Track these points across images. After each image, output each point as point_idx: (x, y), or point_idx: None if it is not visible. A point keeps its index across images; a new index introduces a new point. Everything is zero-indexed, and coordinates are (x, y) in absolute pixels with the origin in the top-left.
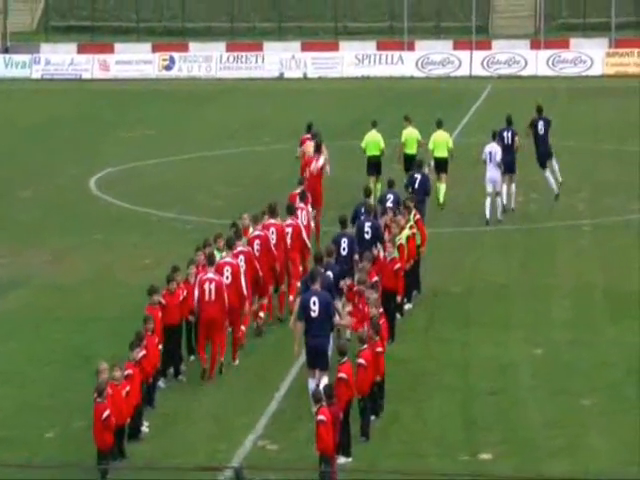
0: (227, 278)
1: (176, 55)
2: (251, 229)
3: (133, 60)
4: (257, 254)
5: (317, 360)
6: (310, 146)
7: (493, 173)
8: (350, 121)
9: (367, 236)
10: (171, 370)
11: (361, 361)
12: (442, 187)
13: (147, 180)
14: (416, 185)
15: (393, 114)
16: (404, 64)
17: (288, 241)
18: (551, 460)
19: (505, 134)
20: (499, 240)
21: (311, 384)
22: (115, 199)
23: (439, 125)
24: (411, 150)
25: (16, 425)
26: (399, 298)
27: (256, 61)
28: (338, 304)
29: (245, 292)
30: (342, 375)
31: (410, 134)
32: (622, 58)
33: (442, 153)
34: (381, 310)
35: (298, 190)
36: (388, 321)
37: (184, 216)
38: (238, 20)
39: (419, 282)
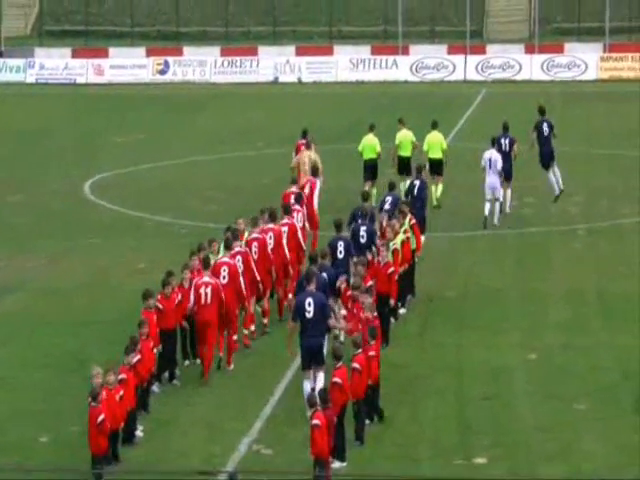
0: (224, 278)
1: (170, 59)
2: (246, 233)
3: (127, 64)
4: (255, 257)
5: (313, 359)
6: (307, 156)
7: (492, 180)
8: (344, 125)
9: (362, 240)
10: (165, 374)
11: (355, 365)
12: (438, 188)
13: (141, 184)
14: (415, 192)
15: (387, 119)
16: (398, 69)
17: (284, 241)
18: (545, 464)
19: (503, 141)
20: (493, 244)
21: (306, 386)
22: (109, 203)
23: (434, 126)
24: (405, 152)
25: (10, 430)
26: (392, 302)
27: (251, 65)
28: (334, 306)
29: (244, 291)
30: (337, 380)
31: (404, 136)
32: (616, 62)
33: (436, 154)
34: (375, 314)
35: (292, 189)
36: (382, 325)
37: (178, 220)
38: (232, 24)
39: (414, 287)
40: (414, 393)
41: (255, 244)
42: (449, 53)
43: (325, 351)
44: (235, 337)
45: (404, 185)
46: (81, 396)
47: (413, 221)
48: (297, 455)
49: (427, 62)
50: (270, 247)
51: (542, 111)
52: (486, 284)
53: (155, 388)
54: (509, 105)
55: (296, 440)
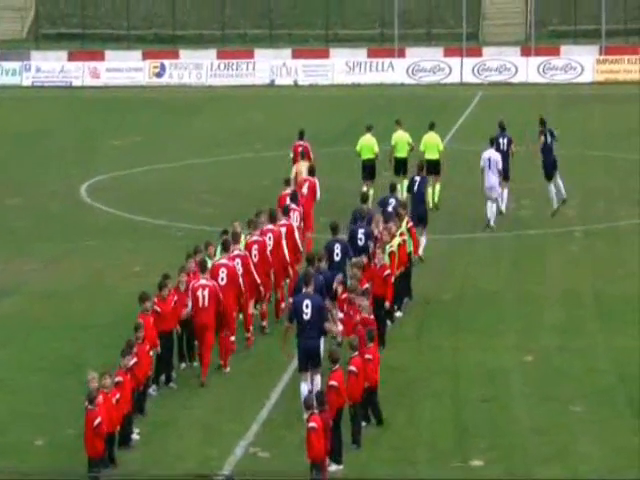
0: (222, 280)
1: (167, 62)
2: (242, 236)
3: (124, 67)
4: (255, 260)
5: (310, 361)
6: (303, 166)
7: (492, 180)
8: (341, 128)
9: (360, 242)
10: (162, 377)
11: (352, 368)
12: (435, 189)
13: (138, 187)
14: (415, 188)
15: (384, 121)
16: (395, 71)
17: (284, 242)
18: (542, 466)
19: (500, 140)
20: (490, 247)
21: (303, 387)
22: (106, 206)
23: (431, 127)
24: (401, 153)
25: (6, 433)
26: (387, 304)
27: (247, 68)
28: (332, 308)
29: (243, 292)
30: (333, 383)
31: (400, 137)
32: (612, 65)
33: (433, 155)
34: (372, 317)
35: (287, 191)
36: (378, 328)
37: (175, 223)
38: (229, 27)
39: (410, 289)
40: (411, 396)
41: (255, 247)
42: (445, 56)
43: (322, 353)
44: (232, 338)
45: (401, 186)
46: (77, 399)
47: (410, 224)
48: (294, 458)
49: (423, 65)
50: (269, 248)
51: (543, 122)
52: (483, 286)
53: (152, 391)
54: (505, 107)
55: (293, 443)
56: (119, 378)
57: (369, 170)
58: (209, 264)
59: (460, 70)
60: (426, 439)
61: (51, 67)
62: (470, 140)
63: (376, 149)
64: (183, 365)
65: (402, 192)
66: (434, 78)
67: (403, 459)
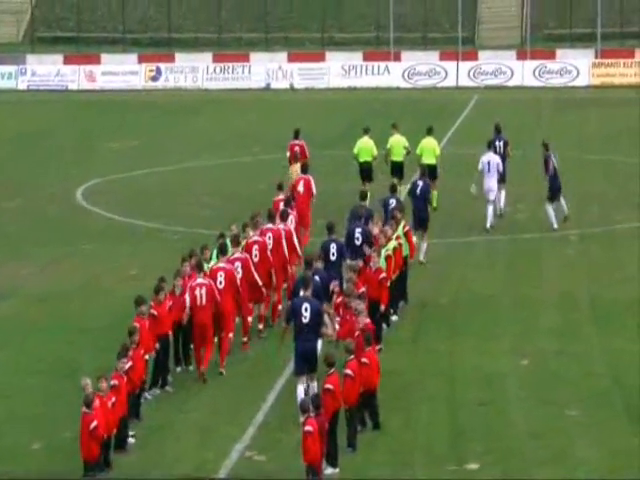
0: (220, 283)
1: (162, 66)
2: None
3: (119, 71)
4: (256, 260)
5: (307, 364)
6: (294, 171)
7: (490, 182)
8: (337, 131)
9: (357, 242)
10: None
11: (348, 372)
12: (433, 194)
13: (134, 190)
14: (418, 192)
15: (380, 125)
16: (390, 75)
17: (284, 241)
18: (537, 470)
19: (497, 143)
20: (486, 250)
21: (300, 390)
22: (102, 210)
23: (429, 132)
24: (397, 157)
25: (3, 436)
26: (383, 307)
27: (243, 72)
28: (329, 310)
29: (240, 294)
30: (329, 386)
31: (396, 141)
32: (608, 69)
33: (430, 160)
34: (369, 320)
35: (281, 196)
36: (374, 331)
37: (171, 227)
38: (225, 31)
39: (406, 293)
40: (407, 399)
41: (256, 247)
42: (441, 59)
43: (318, 356)
44: (230, 335)
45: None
46: (74, 402)
47: (407, 228)
48: (290, 461)
49: (419, 68)
50: (269, 248)
51: (547, 146)
52: (479, 290)
53: (147, 395)
54: (501, 111)
55: (289, 446)
56: (115, 381)
57: (367, 173)
58: (205, 268)
59: (456, 74)
60: (422, 442)
61: (47, 71)
62: (466, 144)
63: (374, 152)
64: (179, 369)
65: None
66: (430, 82)
67: (399, 462)
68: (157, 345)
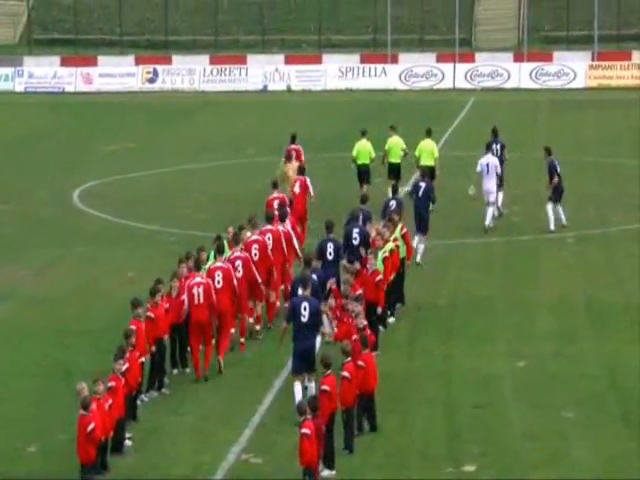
0: (218, 283)
1: (159, 68)
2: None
3: (116, 73)
4: (256, 259)
5: (305, 363)
6: (292, 167)
7: (488, 184)
8: (334, 134)
9: (355, 242)
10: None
11: (345, 374)
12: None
13: (130, 193)
14: (420, 193)
15: (377, 127)
16: (387, 77)
17: (283, 244)
18: (534, 472)
19: (494, 146)
20: (482, 253)
21: (297, 388)
22: (98, 212)
23: (428, 134)
24: (395, 159)
25: None
26: (379, 310)
27: (240, 74)
28: (326, 308)
29: (237, 293)
30: (325, 387)
31: (394, 143)
32: (605, 71)
33: (428, 161)
34: (366, 323)
35: (275, 194)
36: (371, 333)
37: (167, 229)
38: (222, 33)
39: (403, 295)
40: (403, 401)
41: (255, 246)
42: (438, 61)
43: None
44: (232, 330)
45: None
46: (70, 405)
47: (404, 230)
48: (286, 464)
49: (416, 70)
50: (269, 248)
51: (549, 151)
52: (475, 292)
53: (144, 397)
54: (498, 113)
55: (285, 449)
56: (112, 383)
57: (365, 175)
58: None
59: (453, 76)
60: (419, 445)
61: (44, 73)
62: (463, 146)
63: (372, 154)
64: (175, 371)
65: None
66: (427, 84)
67: (396, 465)
68: (153, 348)
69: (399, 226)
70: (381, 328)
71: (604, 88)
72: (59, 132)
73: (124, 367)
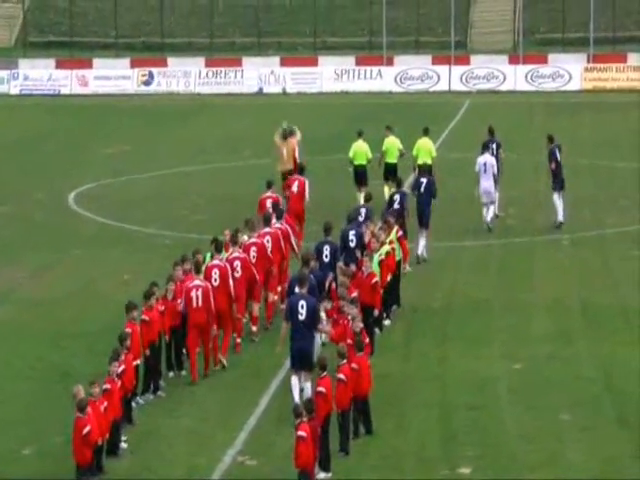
0: (215, 281)
1: (155, 70)
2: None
3: (112, 75)
4: (253, 260)
5: (301, 362)
6: (286, 145)
7: (487, 184)
8: (329, 136)
9: (352, 244)
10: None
11: (341, 376)
12: None
13: (126, 195)
14: (422, 189)
15: (372, 129)
16: (383, 79)
17: (282, 242)
18: (530, 474)
19: (490, 145)
20: (478, 255)
21: (294, 381)
22: (94, 215)
23: (425, 133)
24: (391, 159)
25: None
26: (376, 312)
27: (235, 76)
28: (322, 308)
29: (232, 294)
30: (321, 389)
31: (391, 143)
32: (600, 73)
33: (425, 160)
34: (362, 325)
35: (268, 193)
36: (367, 336)
37: (164, 231)
38: (217, 35)
39: (399, 297)
40: (399, 404)
41: (254, 248)
42: (433, 64)
43: (317, 351)
44: (239, 340)
45: (390, 192)
46: (65, 407)
47: (400, 233)
48: (282, 466)
49: (411, 73)
50: (269, 250)
51: (551, 138)
52: (471, 295)
53: (140, 400)
54: (493, 115)
55: (281, 451)
56: (107, 385)
57: (362, 176)
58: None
59: (448, 78)
60: (414, 447)
61: (39, 75)
62: (459, 148)
63: (369, 155)
64: (171, 374)
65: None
66: (422, 86)
67: (391, 467)
68: (147, 351)
69: (394, 229)
70: (377, 330)
71: (599, 90)
72: (55, 135)
73: (120, 369)
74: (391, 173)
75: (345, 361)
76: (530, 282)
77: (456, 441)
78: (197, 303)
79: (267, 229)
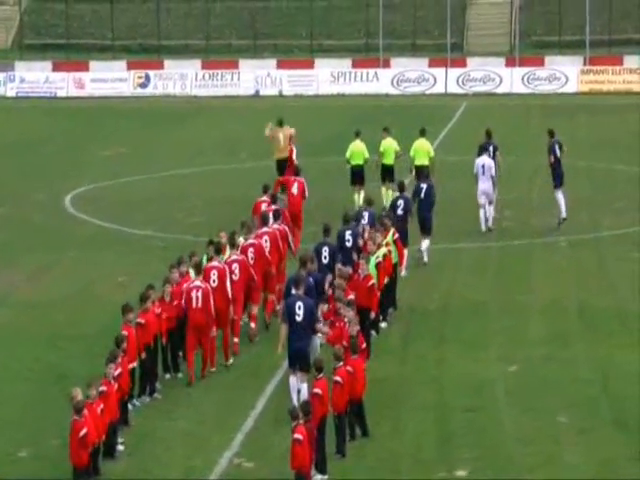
0: (214, 282)
1: (151, 73)
2: (228, 250)
3: (108, 78)
4: (252, 262)
5: (299, 362)
6: (281, 132)
7: (485, 186)
8: (326, 138)
9: (348, 244)
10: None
11: (337, 378)
12: None
13: (123, 198)
14: (422, 195)
15: (369, 131)
16: (379, 82)
17: (280, 243)
18: (527, 476)
19: (487, 148)
20: (475, 257)
21: (292, 381)
22: (90, 217)
23: (422, 134)
24: (388, 161)
25: None
26: (373, 314)
27: (231, 79)
28: (324, 307)
29: (230, 295)
30: (317, 390)
31: (388, 145)
32: (596, 75)
33: (423, 161)
34: (358, 328)
35: (264, 198)
36: (364, 338)
37: (160, 234)
38: (213, 37)
39: (395, 300)
40: (396, 406)
41: (251, 249)
42: (430, 66)
43: (317, 349)
44: (236, 340)
45: (386, 194)
46: (62, 409)
47: (396, 235)
48: (278, 468)
49: (408, 75)
50: (267, 250)
51: (552, 133)
52: (468, 297)
53: (136, 402)
54: (490, 118)
55: (278, 453)
56: (103, 387)
57: (359, 176)
58: (192, 276)
59: (445, 80)
60: (411, 449)
61: (35, 77)
62: (455, 150)
63: (366, 155)
64: (168, 376)
65: (386, 201)
66: (419, 88)
67: (388, 469)
68: (143, 354)
69: (391, 231)
70: (373, 333)
71: (596, 93)
72: (51, 137)
73: (117, 372)
74: (388, 174)
75: (342, 363)
76: (527, 284)
77: (453, 443)
78: (197, 304)
79: (265, 229)
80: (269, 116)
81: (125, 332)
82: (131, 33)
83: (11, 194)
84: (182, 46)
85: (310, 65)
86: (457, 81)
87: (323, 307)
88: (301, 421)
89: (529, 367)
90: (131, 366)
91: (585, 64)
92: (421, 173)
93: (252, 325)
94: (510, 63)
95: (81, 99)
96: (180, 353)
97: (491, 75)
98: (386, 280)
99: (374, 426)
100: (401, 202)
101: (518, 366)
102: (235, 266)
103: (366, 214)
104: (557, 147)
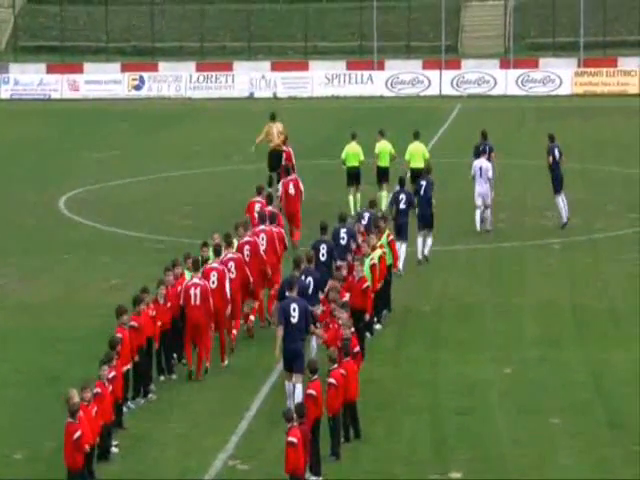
0: (213, 283)
1: (145, 75)
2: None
3: (102, 80)
4: (247, 259)
5: (293, 363)
6: (273, 127)
7: (482, 187)
8: (321, 140)
9: (343, 242)
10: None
11: (332, 380)
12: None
13: (117, 200)
14: (422, 191)
15: (363, 133)
16: (374, 84)
17: (276, 243)
18: (520, 478)
19: (483, 149)
20: (469, 259)
21: (288, 387)
22: (84, 219)
23: (416, 136)
24: (383, 163)
25: None
26: (367, 317)
27: (226, 81)
28: (318, 310)
29: (229, 296)
30: (311, 392)
31: (383, 147)
32: (591, 77)
33: (418, 164)
34: (353, 330)
35: (257, 198)
36: (358, 340)
37: (153, 236)
38: (208, 40)
39: (390, 302)
40: (390, 408)
41: (247, 247)
42: (424, 68)
43: (315, 348)
44: (235, 332)
45: (380, 195)
46: (55, 412)
47: (391, 237)
48: (273, 470)
49: (402, 77)
50: (263, 248)
51: (552, 138)
52: (462, 299)
53: (131, 404)
54: (484, 120)
55: (272, 455)
56: (97, 390)
57: (355, 177)
58: (187, 277)
59: (439, 82)
60: (405, 451)
61: (30, 80)
62: (449, 152)
63: (362, 156)
64: (162, 378)
65: (382, 203)
66: (413, 90)
67: (382, 471)
68: (137, 357)
69: (385, 233)
70: (368, 335)
71: (590, 95)
72: (45, 139)
73: (111, 374)
74: (384, 177)
75: (336, 365)
76: (521, 286)
77: (447, 445)
78: (195, 301)
79: (262, 227)
80: (264, 118)
81: (119, 334)
82: (125, 35)
83: (5, 196)
84: (176, 48)
85: (304, 67)
86: (451, 83)
87: (317, 310)
88: (295, 423)
89: (523, 369)
90: (125, 368)
91: (579, 66)
92: (417, 176)
93: (251, 317)
94: (504, 65)
95: (75, 101)
96: (174, 355)
97: (485, 77)
98: (381, 282)
99: (368, 428)
100: (403, 196)
101: (512, 368)
102: (231, 264)
103: (367, 215)
104: (557, 151)
